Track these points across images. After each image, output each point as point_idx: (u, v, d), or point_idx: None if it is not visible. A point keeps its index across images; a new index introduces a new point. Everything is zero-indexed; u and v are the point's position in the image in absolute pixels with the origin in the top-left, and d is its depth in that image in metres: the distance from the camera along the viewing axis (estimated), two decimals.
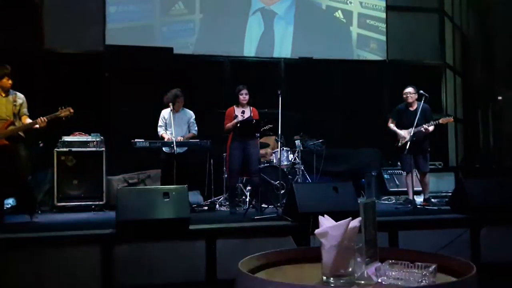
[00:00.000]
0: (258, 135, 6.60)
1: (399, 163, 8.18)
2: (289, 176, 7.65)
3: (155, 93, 7.61)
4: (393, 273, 2.05)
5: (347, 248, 2.03)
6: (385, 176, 8.82)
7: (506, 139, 11.45)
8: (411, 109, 7.17)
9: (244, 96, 6.80)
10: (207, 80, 9.59)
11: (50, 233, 4.98)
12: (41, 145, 6.83)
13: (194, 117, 7.21)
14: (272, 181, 7.28)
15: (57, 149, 7.38)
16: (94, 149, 7.53)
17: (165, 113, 7.06)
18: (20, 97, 6.08)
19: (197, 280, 4.80)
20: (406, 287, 1.97)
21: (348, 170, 9.28)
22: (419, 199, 7.33)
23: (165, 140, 6.82)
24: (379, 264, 2.16)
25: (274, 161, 7.72)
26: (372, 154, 9.53)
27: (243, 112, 6.83)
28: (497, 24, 11.67)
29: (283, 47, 10.42)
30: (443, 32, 11.39)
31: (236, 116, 6.70)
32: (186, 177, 6.63)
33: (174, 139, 6.55)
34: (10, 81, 5.97)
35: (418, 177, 7.44)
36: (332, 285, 2.00)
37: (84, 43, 9.26)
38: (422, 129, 6.90)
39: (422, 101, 6.97)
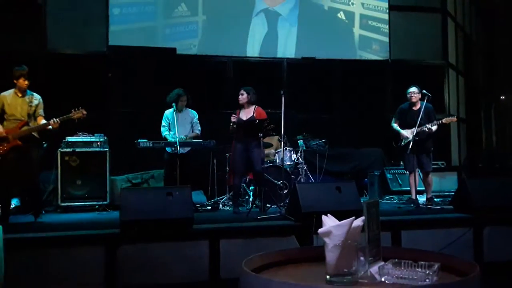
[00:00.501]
0: (261, 135, 6.59)
1: (402, 163, 8.18)
2: (292, 176, 7.65)
3: (158, 93, 7.62)
4: (397, 272, 2.06)
5: (350, 247, 2.04)
6: (388, 175, 8.81)
7: (508, 138, 11.45)
8: (414, 108, 7.17)
9: (240, 97, 6.85)
10: (210, 80, 9.61)
11: (54, 233, 4.99)
12: (45, 145, 6.85)
13: (197, 117, 7.22)
14: (275, 181, 7.29)
15: (61, 150, 7.39)
16: (97, 149, 7.53)
17: (168, 113, 7.08)
18: (37, 98, 6.13)
19: (201, 280, 4.81)
20: (410, 286, 1.98)
21: (351, 170, 9.28)
22: (422, 199, 7.33)
23: (168, 140, 6.83)
24: (383, 263, 2.17)
25: (277, 161, 7.73)
26: (375, 154, 9.53)
27: (238, 113, 6.84)
28: (500, 24, 11.67)
29: (287, 48, 10.42)
30: (446, 32, 11.37)
31: (237, 119, 6.70)
32: (189, 177, 6.64)
33: (177, 139, 6.56)
34: (26, 82, 6.01)
35: (421, 176, 7.44)
36: (335, 284, 2.01)
37: (87, 44, 9.29)
38: (426, 128, 6.90)
39: (425, 101, 6.98)
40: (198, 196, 7.75)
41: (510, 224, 5.58)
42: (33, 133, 5.99)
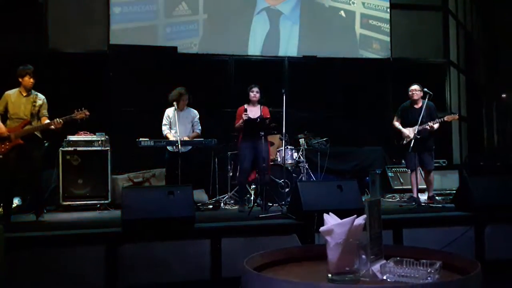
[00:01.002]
0: (263, 133, 6.59)
1: (403, 161, 8.18)
2: (293, 175, 7.66)
3: (159, 92, 7.62)
4: (398, 271, 2.06)
5: (352, 246, 2.04)
6: (389, 174, 8.82)
7: (510, 137, 11.45)
8: (416, 106, 7.17)
9: (254, 94, 6.85)
10: (211, 79, 9.61)
11: (56, 232, 4.99)
12: (46, 144, 6.86)
13: (198, 116, 7.22)
14: (277, 180, 7.29)
15: (62, 149, 7.40)
16: (99, 148, 7.54)
17: (170, 111, 7.08)
18: (40, 98, 6.14)
19: (202, 279, 4.80)
20: (412, 284, 1.98)
21: (352, 168, 9.29)
22: (423, 197, 7.34)
23: (169, 139, 6.83)
24: (384, 261, 2.17)
25: (279, 159, 7.73)
26: (376, 152, 9.54)
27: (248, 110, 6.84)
28: (501, 21, 11.65)
29: (289, 47, 10.43)
30: (447, 30, 11.36)
31: (246, 116, 6.69)
32: (191, 176, 6.65)
33: (178, 138, 6.57)
34: (31, 80, 6.02)
35: (423, 175, 7.44)
36: (337, 282, 2.01)
37: (88, 43, 9.30)
38: (427, 126, 6.89)
39: (427, 99, 6.98)
40: (199, 195, 7.75)
41: None
42: (35, 132, 6.00)
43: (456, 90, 11.62)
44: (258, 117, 6.72)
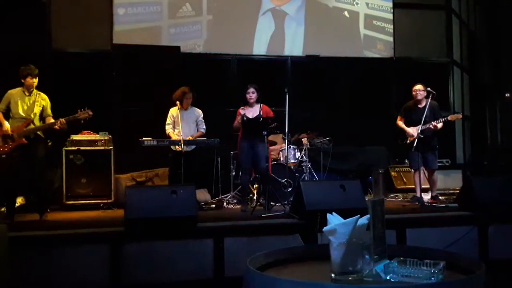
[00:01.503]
0: (265, 133, 6.58)
1: (406, 161, 8.17)
2: (296, 174, 7.65)
3: (162, 91, 7.63)
4: (402, 270, 2.06)
5: (355, 246, 2.03)
6: (393, 173, 8.81)
7: None
8: (419, 106, 7.15)
9: (250, 95, 6.78)
10: (214, 78, 9.60)
11: (59, 232, 5.00)
12: (49, 143, 6.88)
13: (202, 115, 7.20)
14: (279, 179, 7.28)
15: (66, 148, 7.42)
16: (102, 147, 7.56)
17: (173, 111, 7.07)
18: (44, 98, 6.16)
19: (205, 278, 4.81)
20: (415, 284, 1.98)
21: (355, 168, 9.27)
22: (426, 197, 7.32)
23: (172, 138, 6.83)
24: (388, 261, 2.17)
25: (281, 159, 7.73)
26: (380, 152, 9.51)
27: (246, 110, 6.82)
28: (504, 21, 11.63)
29: (294, 47, 10.41)
30: (450, 29, 11.34)
31: (243, 116, 6.68)
32: (194, 175, 6.65)
33: (182, 137, 6.56)
34: (33, 80, 6.03)
35: (426, 174, 7.43)
36: (340, 282, 2.00)
37: (92, 42, 9.30)
38: (431, 126, 6.88)
39: (430, 98, 6.97)
40: (202, 194, 7.75)
41: None
42: (38, 132, 6.01)
43: (459, 89, 11.59)
44: (256, 116, 6.69)
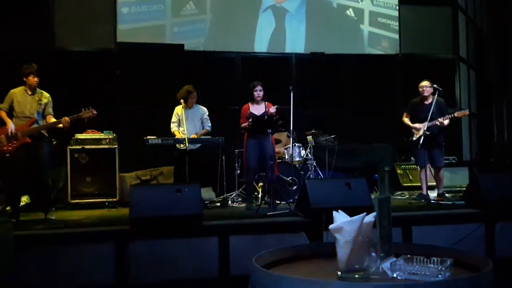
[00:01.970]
0: (270, 131, 6.56)
1: (412, 158, 8.15)
2: (301, 172, 7.63)
3: (166, 90, 7.63)
4: (409, 268, 2.04)
5: (361, 243, 2.02)
6: (399, 171, 8.79)
7: None
8: (426, 103, 7.12)
9: (258, 93, 6.76)
10: (218, 76, 9.59)
11: (64, 230, 5.01)
12: (54, 142, 6.89)
13: (207, 113, 7.18)
14: (285, 177, 7.27)
15: (70, 147, 7.43)
16: (106, 146, 7.57)
17: (178, 109, 7.06)
18: (46, 96, 6.15)
19: (210, 276, 4.80)
20: (422, 282, 1.96)
21: (361, 166, 9.25)
22: (433, 194, 7.29)
23: (177, 137, 6.82)
24: (394, 259, 2.15)
25: (286, 157, 7.71)
26: (385, 149, 9.49)
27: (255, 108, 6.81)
28: (511, 17, 11.56)
29: (295, 45, 10.38)
30: (457, 26, 11.28)
31: (249, 115, 6.66)
32: (199, 174, 6.64)
33: (186, 135, 6.55)
34: (36, 79, 6.03)
35: (432, 172, 7.40)
36: (347, 280, 1.99)
37: (96, 41, 9.30)
38: (437, 122, 6.85)
39: (436, 95, 6.93)
40: (207, 193, 7.76)
41: None
42: (42, 131, 6.01)
43: (465, 86, 11.54)
44: (263, 113, 6.68)
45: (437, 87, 6.95)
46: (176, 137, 6.81)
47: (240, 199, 7.64)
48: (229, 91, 9.54)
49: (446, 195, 7.32)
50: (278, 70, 9.94)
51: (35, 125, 5.97)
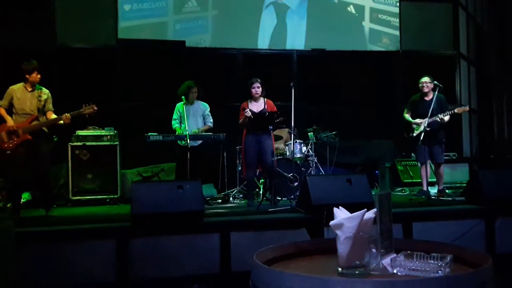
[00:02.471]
0: (271, 127, 6.56)
1: (413, 154, 8.15)
2: (302, 169, 7.63)
3: (167, 86, 7.62)
4: (409, 264, 2.05)
5: (362, 240, 2.03)
6: (399, 167, 8.79)
7: None
8: (426, 99, 7.12)
9: (256, 90, 6.73)
10: (219, 73, 9.59)
11: (66, 227, 5.02)
12: (55, 139, 6.90)
13: (209, 109, 7.16)
14: (286, 174, 7.27)
15: (71, 143, 7.43)
16: (108, 143, 7.57)
17: (180, 106, 7.04)
18: (45, 92, 6.14)
19: (212, 273, 4.81)
20: (422, 278, 1.97)
21: (361, 162, 9.26)
22: (433, 190, 7.30)
23: (178, 133, 6.82)
24: (395, 255, 2.16)
25: (288, 153, 7.72)
26: (386, 146, 9.50)
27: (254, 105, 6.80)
28: (511, 13, 11.54)
29: (296, 41, 10.38)
30: (457, 22, 11.27)
31: (247, 111, 6.65)
32: (200, 170, 6.65)
33: (187, 132, 6.55)
34: (39, 76, 6.03)
35: (432, 168, 7.40)
36: (347, 276, 2.00)
37: (97, 38, 9.31)
38: (438, 119, 6.85)
39: (437, 92, 6.93)
40: (208, 189, 7.77)
41: None
42: (43, 127, 6.02)
43: (466, 82, 11.53)
44: (262, 110, 6.67)
45: (437, 83, 6.95)
46: (177, 133, 6.82)
47: (241, 196, 7.65)
48: (231, 87, 9.54)
49: (447, 191, 7.33)
50: (279, 67, 9.93)
51: (36, 122, 5.97)
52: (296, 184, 7.13)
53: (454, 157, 9.36)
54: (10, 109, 5.99)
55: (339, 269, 2.04)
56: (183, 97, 6.92)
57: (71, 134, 7.46)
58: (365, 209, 2.09)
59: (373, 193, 5.67)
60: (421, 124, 6.97)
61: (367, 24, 10.77)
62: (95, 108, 6.09)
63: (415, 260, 2.07)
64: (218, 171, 8.10)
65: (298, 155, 7.74)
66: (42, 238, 4.66)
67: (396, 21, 10.84)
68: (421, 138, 6.72)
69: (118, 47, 9.26)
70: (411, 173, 8.67)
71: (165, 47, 9.31)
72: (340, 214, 2.13)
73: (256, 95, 6.73)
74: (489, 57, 12.04)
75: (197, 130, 6.86)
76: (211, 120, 7.13)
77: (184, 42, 9.44)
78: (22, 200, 6.47)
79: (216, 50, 9.84)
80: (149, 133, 6.51)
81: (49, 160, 6.17)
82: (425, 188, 7.12)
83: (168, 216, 4.86)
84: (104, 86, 8.81)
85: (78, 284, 4.53)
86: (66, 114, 5.94)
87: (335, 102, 10.13)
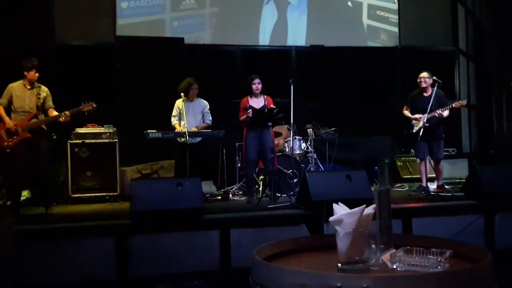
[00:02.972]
0: (271, 124, 6.57)
1: (412, 150, 8.15)
2: (301, 165, 7.64)
3: (166, 83, 7.62)
4: (408, 259, 2.05)
5: (361, 235, 2.03)
6: (398, 163, 8.79)
7: None
8: (425, 94, 7.11)
9: (256, 86, 6.75)
10: (218, 70, 9.57)
11: (65, 225, 5.02)
12: (54, 137, 6.90)
13: (208, 106, 7.16)
14: (285, 170, 7.27)
15: (71, 141, 7.42)
16: (107, 140, 7.56)
17: (179, 103, 7.03)
18: (44, 90, 6.14)
19: (212, 269, 4.82)
20: (422, 273, 1.97)
21: (361, 158, 9.26)
22: (432, 186, 7.30)
23: (177, 130, 6.82)
24: (394, 250, 2.16)
25: (287, 150, 7.71)
26: (385, 142, 9.50)
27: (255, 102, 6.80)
28: (510, 9, 11.52)
29: (297, 37, 10.37)
30: (456, 18, 11.25)
31: (249, 108, 6.66)
32: (200, 167, 6.64)
33: (187, 129, 6.55)
34: (37, 74, 6.03)
35: (432, 164, 7.40)
36: (347, 272, 2.00)
37: (95, 35, 9.29)
38: (436, 114, 6.84)
39: (436, 87, 6.92)
40: (208, 186, 7.76)
41: None
42: (42, 125, 6.02)
43: (465, 78, 11.52)
44: (262, 107, 6.68)
45: (436, 79, 6.94)
46: (176, 130, 6.81)
47: (241, 192, 7.65)
48: (230, 84, 9.51)
49: (446, 187, 7.33)
50: (279, 63, 9.91)
51: (35, 120, 5.96)
52: (295, 180, 7.13)
53: (453, 153, 9.37)
54: (8, 107, 5.99)
55: (339, 264, 2.04)
56: (182, 94, 6.92)
57: (70, 132, 7.46)
58: (365, 205, 2.10)
59: (372, 189, 5.67)
60: (420, 120, 6.97)
61: (365, 21, 10.75)
62: (94, 105, 6.09)
63: (414, 255, 2.08)
64: (218, 168, 8.10)
65: (298, 152, 7.74)
66: (42, 235, 4.67)
67: (394, 17, 10.81)
68: (420, 134, 6.72)
69: (117, 44, 9.24)
70: (410, 169, 8.67)
71: (163, 44, 9.29)
72: (340, 210, 2.13)
73: (257, 91, 6.76)
74: (488, 52, 12.02)
75: (195, 128, 6.86)
76: (210, 118, 7.13)
77: (182, 39, 9.42)
78: (21, 198, 6.48)
79: (214, 47, 9.83)
80: (148, 130, 6.51)
81: (48, 158, 6.17)
82: (424, 184, 7.12)
83: (168, 213, 4.86)
84: (103, 84, 8.78)
85: (78, 281, 4.53)
86: (66, 111, 5.94)
87: (334, 99, 10.12)
